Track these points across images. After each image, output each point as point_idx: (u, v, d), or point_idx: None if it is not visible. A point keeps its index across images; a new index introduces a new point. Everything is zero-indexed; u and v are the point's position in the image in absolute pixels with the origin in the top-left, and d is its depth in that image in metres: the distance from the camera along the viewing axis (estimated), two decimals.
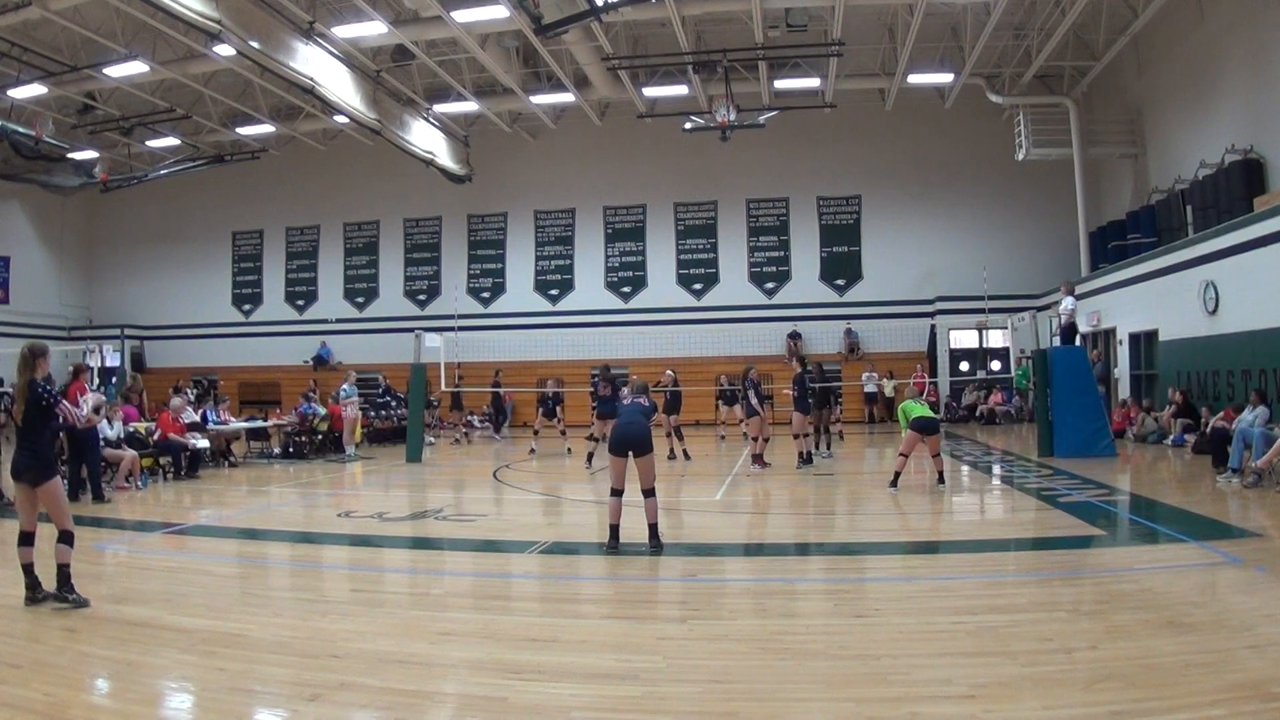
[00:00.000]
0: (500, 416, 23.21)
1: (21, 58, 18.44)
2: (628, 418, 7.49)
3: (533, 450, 16.83)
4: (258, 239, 29.86)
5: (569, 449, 16.79)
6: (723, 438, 19.87)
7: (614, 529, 7.17)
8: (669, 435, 15.05)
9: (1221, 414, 12.54)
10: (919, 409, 10.89)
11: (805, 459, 13.30)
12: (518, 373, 23.35)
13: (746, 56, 20.33)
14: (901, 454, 10.65)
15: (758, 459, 13.19)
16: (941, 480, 10.71)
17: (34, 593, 5.59)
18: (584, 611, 5.72)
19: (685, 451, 14.94)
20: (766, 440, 13.66)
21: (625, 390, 8.03)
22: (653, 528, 7.20)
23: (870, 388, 23.32)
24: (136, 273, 30.17)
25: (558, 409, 18.01)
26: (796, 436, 13.51)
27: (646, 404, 7.67)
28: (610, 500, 7.24)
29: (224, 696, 4.01)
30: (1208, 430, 12.67)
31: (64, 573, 5.59)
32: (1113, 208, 22.32)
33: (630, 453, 7.22)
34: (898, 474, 10.53)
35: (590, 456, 14.23)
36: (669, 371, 18.10)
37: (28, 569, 5.64)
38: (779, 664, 4.36)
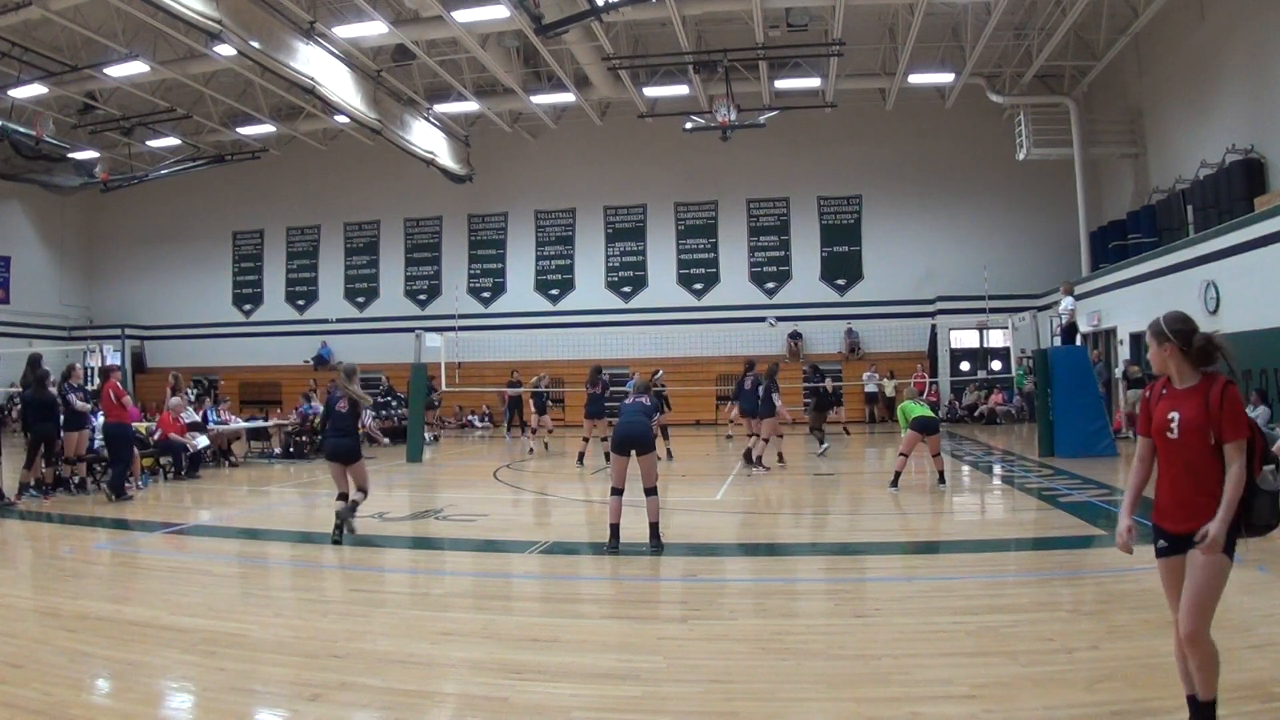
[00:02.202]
0: (515, 416, 23.08)
1: (22, 58, 18.44)
2: (628, 417, 7.47)
3: (531, 450, 16.84)
4: (258, 239, 29.86)
5: (546, 444, 17.08)
6: (729, 437, 19.65)
7: (614, 528, 7.19)
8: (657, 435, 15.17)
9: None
10: (918, 409, 10.89)
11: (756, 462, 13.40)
12: (519, 373, 23.30)
13: (747, 56, 20.33)
14: (902, 454, 10.66)
15: (758, 460, 13.21)
16: (942, 480, 10.71)
17: (340, 533, 7.64)
18: (584, 611, 5.71)
19: (669, 450, 15.06)
20: (766, 441, 13.68)
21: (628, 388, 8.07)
22: (654, 527, 7.22)
23: (871, 388, 23.31)
24: (137, 273, 30.18)
25: (547, 405, 18.02)
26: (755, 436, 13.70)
27: (648, 403, 7.67)
28: (611, 499, 7.26)
29: (224, 696, 4.00)
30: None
31: (354, 507, 7.83)
32: (1113, 207, 22.30)
33: (632, 452, 7.23)
34: (898, 474, 10.54)
35: (581, 455, 14.27)
36: (659, 370, 18.09)
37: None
38: (779, 664, 4.35)
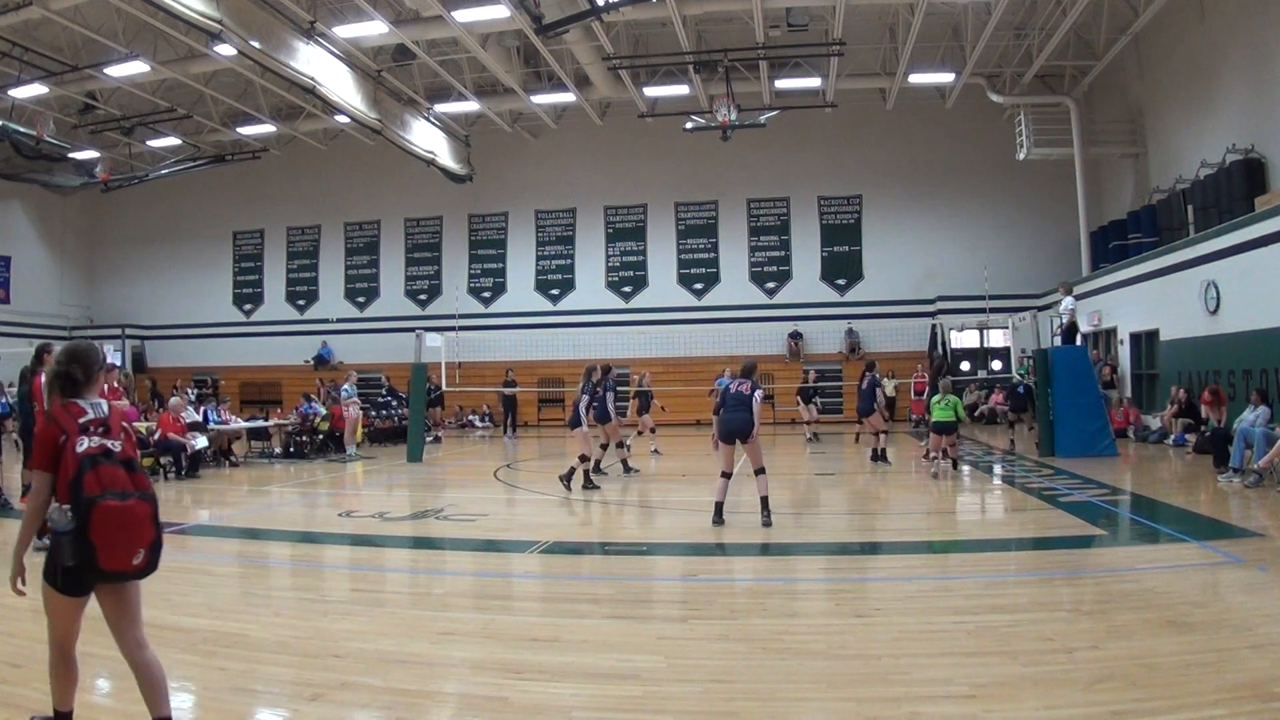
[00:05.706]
0: (510, 416, 23.06)
1: (23, 58, 18.45)
2: (731, 410, 8.04)
3: (656, 451, 15.96)
4: (258, 239, 29.87)
5: (655, 450, 16.07)
6: (815, 436, 18.99)
7: (718, 506, 8.04)
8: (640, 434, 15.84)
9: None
10: (941, 411, 11.88)
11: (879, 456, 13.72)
12: (519, 373, 23.33)
13: (747, 56, 20.34)
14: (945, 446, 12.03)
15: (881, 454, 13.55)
16: (937, 471, 11.70)
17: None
18: (584, 611, 5.70)
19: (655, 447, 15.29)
20: (877, 435, 13.95)
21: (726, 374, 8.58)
22: (764, 500, 8.01)
23: None
24: (137, 272, 30.19)
25: (651, 403, 16.91)
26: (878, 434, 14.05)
27: (748, 391, 8.04)
28: (719, 481, 8.10)
29: (225, 696, 4.00)
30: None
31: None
32: (1114, 207, 22.31)
33: (737, 440, 7.90)
34: (955, 460, 11.94)
35: (625, 464, 13.35)
36: (610, 368, 17.73)
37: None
38: (780, 664, 4.35)
